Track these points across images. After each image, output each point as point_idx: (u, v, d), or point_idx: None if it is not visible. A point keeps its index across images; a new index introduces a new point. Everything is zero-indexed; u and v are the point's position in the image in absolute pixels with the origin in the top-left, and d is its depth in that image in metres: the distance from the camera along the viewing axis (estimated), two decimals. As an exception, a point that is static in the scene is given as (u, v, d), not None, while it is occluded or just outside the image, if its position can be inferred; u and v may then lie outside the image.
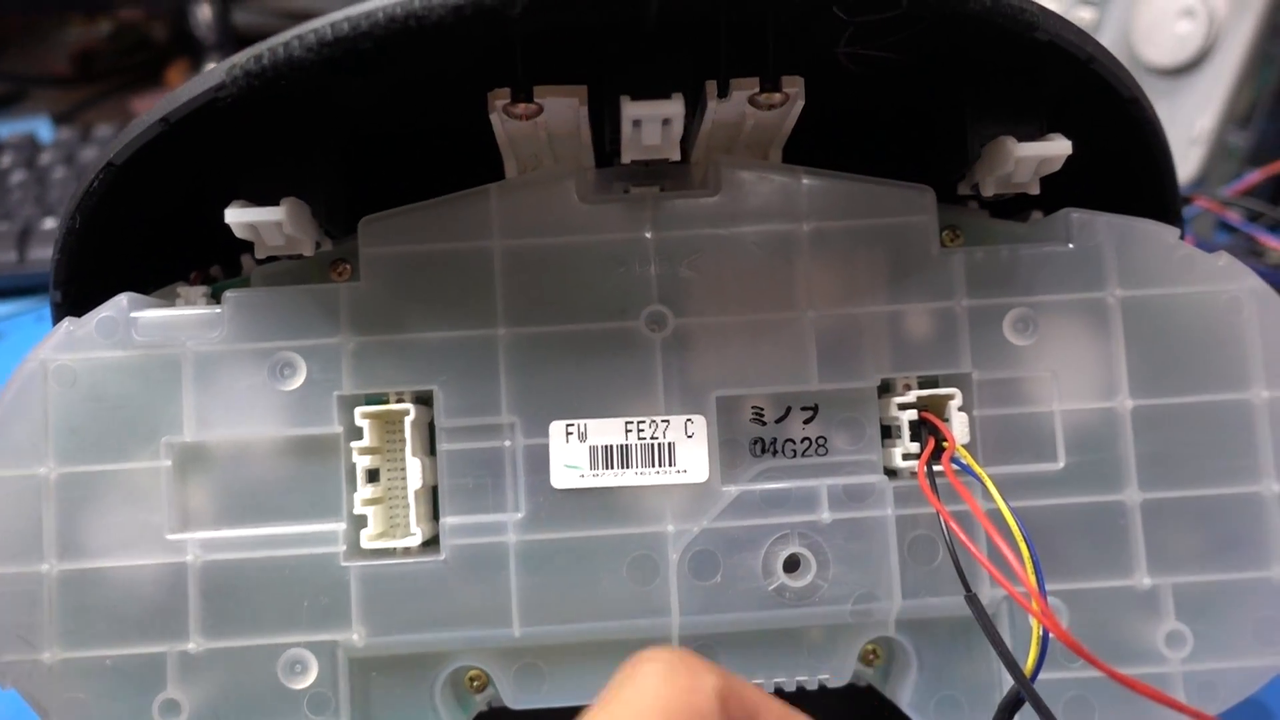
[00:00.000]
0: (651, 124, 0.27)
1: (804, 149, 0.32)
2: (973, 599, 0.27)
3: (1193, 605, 0.30)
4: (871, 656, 0.32)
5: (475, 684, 0.32)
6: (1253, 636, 0.30)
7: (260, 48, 0.25)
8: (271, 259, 0.31)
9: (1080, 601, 0.30)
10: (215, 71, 0.26)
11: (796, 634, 0.31)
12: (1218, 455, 0.31)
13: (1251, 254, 0.60)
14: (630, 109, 0.26)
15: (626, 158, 0.28)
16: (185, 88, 0.26)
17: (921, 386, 0.31)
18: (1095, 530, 0.31)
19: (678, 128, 0.27)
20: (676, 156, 0.29)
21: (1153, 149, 0.32)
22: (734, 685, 0.23)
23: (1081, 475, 0.31)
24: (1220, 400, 0.31)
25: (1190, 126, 0.65)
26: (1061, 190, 0.32)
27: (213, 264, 0.35)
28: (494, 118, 0.29)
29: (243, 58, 0.25)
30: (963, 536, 0.26)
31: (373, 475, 0.31)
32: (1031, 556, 0.27)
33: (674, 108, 0.26)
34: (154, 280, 0.33)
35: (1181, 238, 0.33)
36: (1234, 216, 0.59)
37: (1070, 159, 0.30)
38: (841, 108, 0.32)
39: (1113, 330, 0.31)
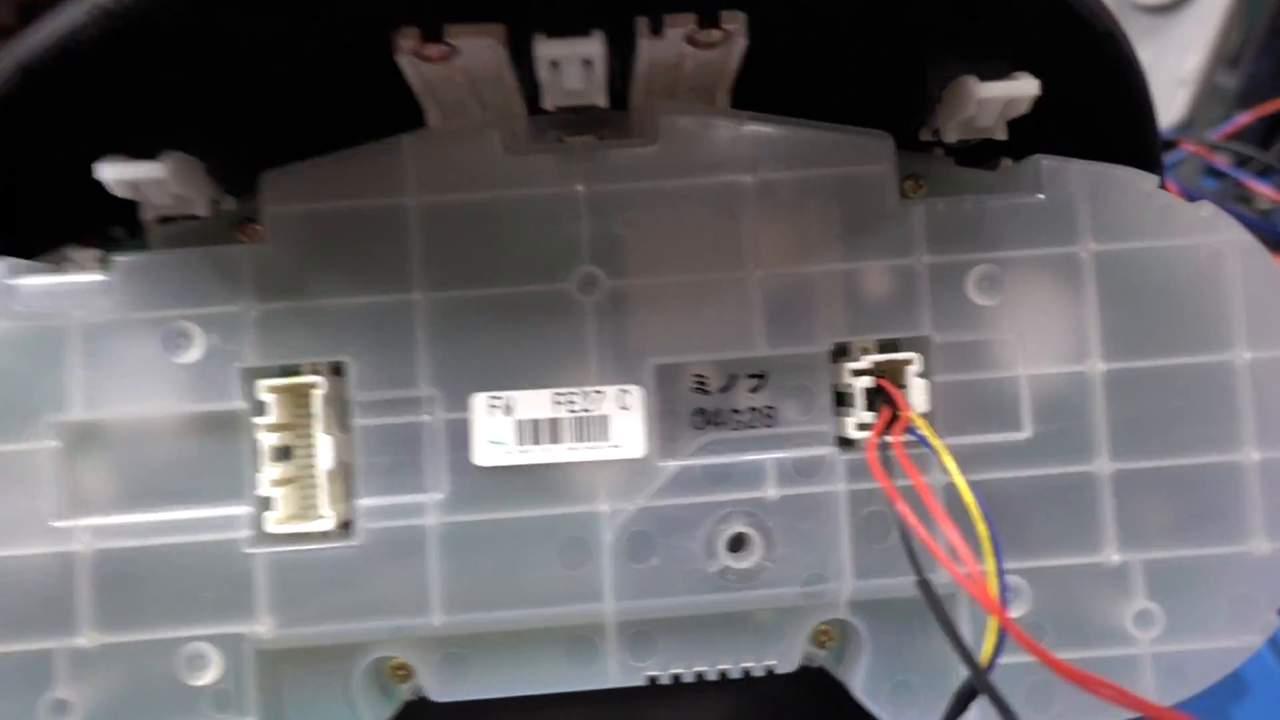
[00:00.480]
0: (571, 65, 0.24)
1: (757, 94, 0.29)
2: (924, 584, 0.25)
3: (1164, 582, 0.28)
4: (824, 638, 0.30)
5: (400, 673, 0.30)
6: (1227, 615, 0.28)
7: (119, -21, 0.22)
8: (170, 219, 0.29)
9: (1045, 580, 0.28)
10: (73, 9, 0.23)
11: (742, 617, 0.29)
12: (1195, 422, 0.28)
13: (1239, 199, 0.58)
14: (545, 48, 0.24)
15: (549, 103, 0.26)
16: (43, 30, 0.23)
17: (881, 350, 0.29)
18: (1062, 503, 0.28)
19: (600, 69, 0.24)
20: (603, 102, 0.26)
21: (1130, 89, 0.29)
22: None
23: (1049, 445, 0.28)
24: (1199, 362, 0.28)
25: (1178, 67, 0.62)
26: (1034, 137, 0.30)
27: (114, 224, 0.32)
28: (403, 60, 0.26)
29: (101, -9, 0.22)
30: (910, 518, 0.24)
31: (283, 454, 0.28)
32: (990, 537, 0.25)
33: (592, 46, 0.24)
34: (48, 244, 0.30)
35: (1161, 186, 0.30)
36: (1221, 161, 0.57)
37: (1043, 103, 0.28)
38: (794, 47, 0.30)
39: (1085, 288, 0.28)
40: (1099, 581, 0.28)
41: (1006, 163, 0.32)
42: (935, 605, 0.25)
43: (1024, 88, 0.26)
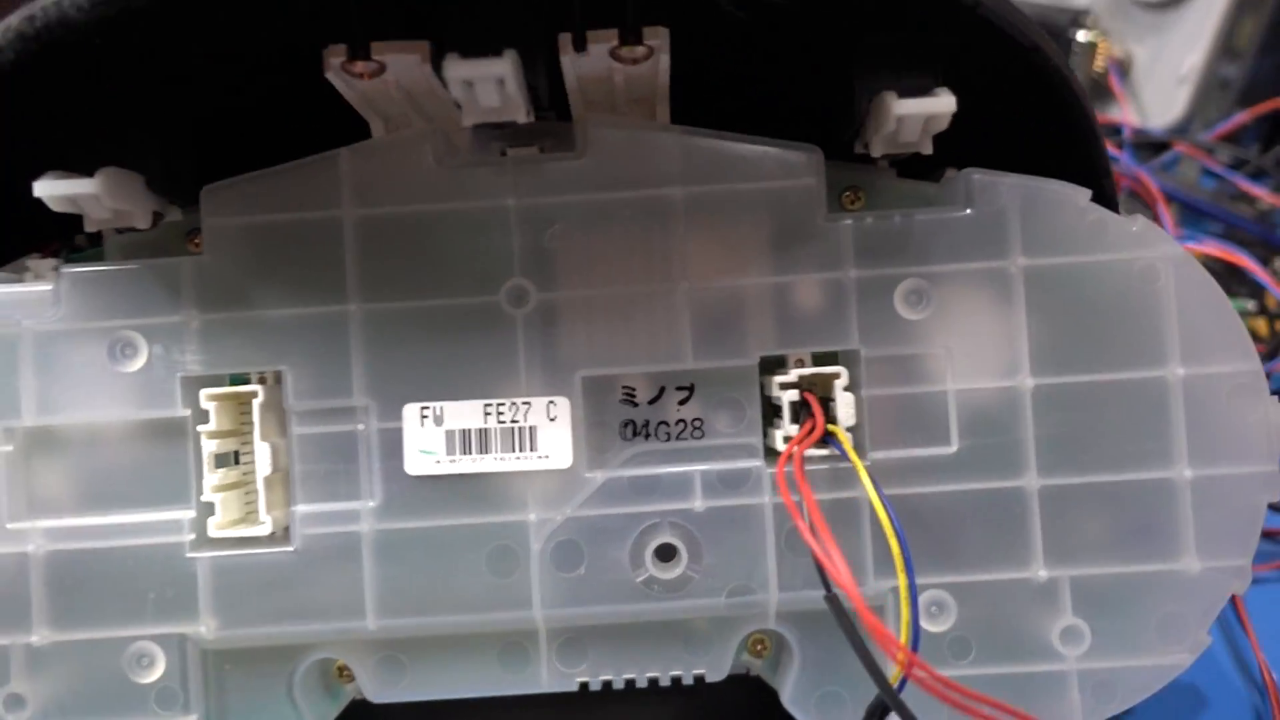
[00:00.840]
0: (485, 85, 0.25)
1: (700, 108, 0.30)
2: (832, 599, 0.25)
3: (1093, 599, 0.28)
4: (759, 647, 0.30)
5: (345, 674, 0.30)
6: (1156, 633, 0.28)
7: (34, 7, 0.23)
8: (126, 230, 0.30)
9: (971, 595, 0.28)
10: (-11, 34, 0.24)
11: (674, 625, 0.29)
12: (1126, 438, 0.28)
13: (1240, 200, 0.57)
14: (456, 69, 0.24)
15: (466, 121, 0.26)
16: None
17: (818, 364, 0.29)
18: (990, 519, 0.28)
19: (514, 88, 0.25)
20: (523, 118, 0.26)
21: (1065, 102, 0.29)
22: None
23: (976, 460, 0.28)
24: (1131, 378, 0.28)
25: (1179, 65, 0.61)
26: (979, 151, 0.29)
27: (77, 234, 0.33)
28: (332, 77, 0.26)
29: (16, 18, 0.23)
30: (806, 534, 0.24)
31: (226, 460, 0.29)
32: (902, 554, 0.26)
33: (502, 67, 0.24)
34: (11, 254, 0.31)
35: (1110, 197, 0.30)
36: (1216, 162, 0.56)
37: (983, 118, 0.28)
38: (729, 61, 0.30)
39: (1014, 302, 0.28)
40: (1026, 597, 0.28)
41: (951, 173, 0.32)
42: (843, 620, 0.25)
43: (942, 104, 0.26)
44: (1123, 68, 0.62)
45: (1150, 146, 0.58)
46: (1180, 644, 0.28)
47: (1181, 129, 0.60)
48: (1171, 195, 0.53)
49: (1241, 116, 0.56)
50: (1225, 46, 0.60)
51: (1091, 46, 0.61)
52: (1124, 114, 0.60)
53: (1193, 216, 0.56)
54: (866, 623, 0.23)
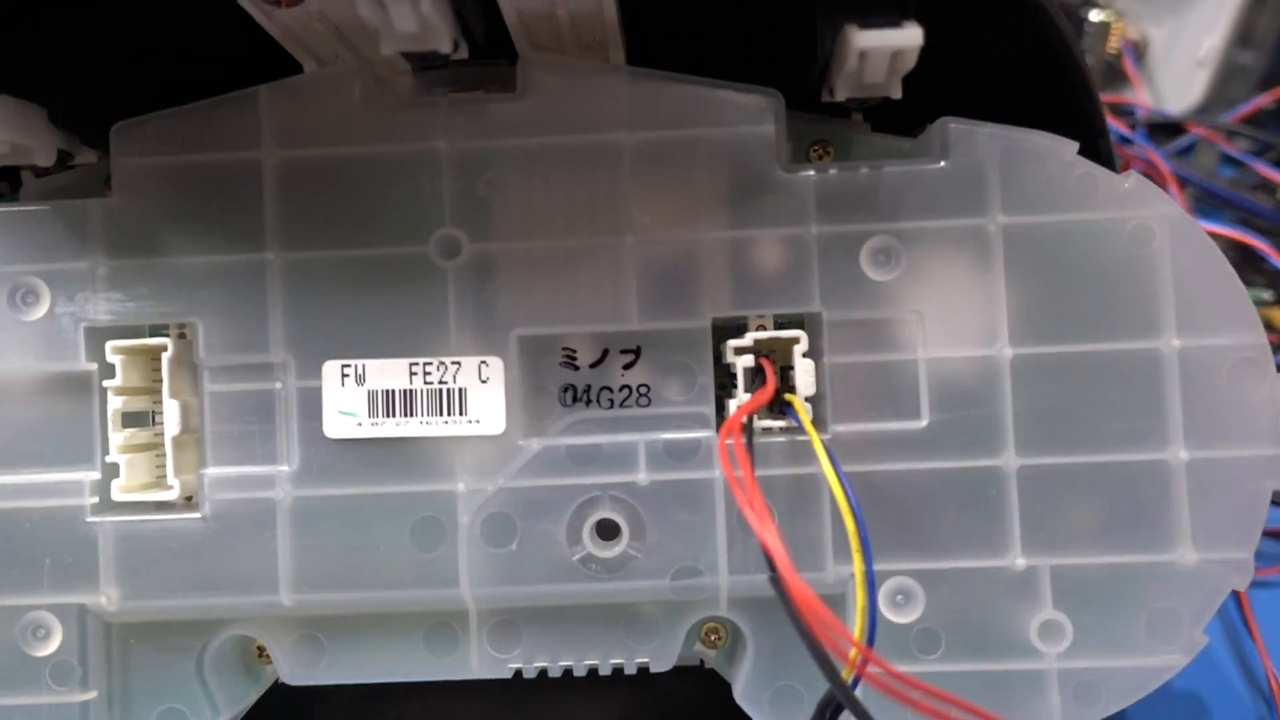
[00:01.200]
0: (399, 5, 0.22)
1: (658, 53, 0.27)
2: (775, 581, 0.22)
3: (1075, 591, 0.26)
4: (714, 636, 0.28)
5: (265, 654, 0.28)
6: (1145, 631, 0.26)
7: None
8: (47, 172, 0.28)
9: (941, 583, 0.26)
10: None
11: (615, 610, 0.27)
12: (1115, 415, 0.26)
13: (1260, 189, 0.54)
14: (365, -15, 0.22)
15: (385, 49, 0.24)
16: None
17: (779, 328, 0.27)
18: (963, 500, 0.26)
19: (431, 10, 0.22)
20: (446, 47, 0.24)
21: (1052, 44, 0.26)
22: None
23: (949, 435, 0.26)
24: (1121, 350, 0.26)
25: (1197, 47, 0.58)
26: (973, 107, 0.27)
27: (-1, 180, 0.31)
28: (248, 5, 0.24)
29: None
30: (742, 502, 0.22)
31: (141, 420, 0.27)
32: (859, 532, 0.23)
33: (413, -18, 0.22)
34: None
35: (1107, 157, 0.27)
36: (1235, 147, 0.53)
37: (968, 67, 0.26)
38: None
39: (993, 264, 0.26)
40: (1002, 587, 0.26)
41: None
42: (789, 605, 0.22)
43: (906, 37, 0.23)
44: (1138, 50, 0.59)
45: (1165, 129, 0.55)
46: (1173, 643, 0.25)
47: (1201, 113, 0.57)
48: (1187, 180, 0.50)
49: (1262, 99, 0.53)
50: (1245, 30, 0.57)
51: (1105, 27, 0.58)
52: (1139, 96, 0.57)
53: (1209, 204, 0.53)
54: (806, 608, 0.20)
